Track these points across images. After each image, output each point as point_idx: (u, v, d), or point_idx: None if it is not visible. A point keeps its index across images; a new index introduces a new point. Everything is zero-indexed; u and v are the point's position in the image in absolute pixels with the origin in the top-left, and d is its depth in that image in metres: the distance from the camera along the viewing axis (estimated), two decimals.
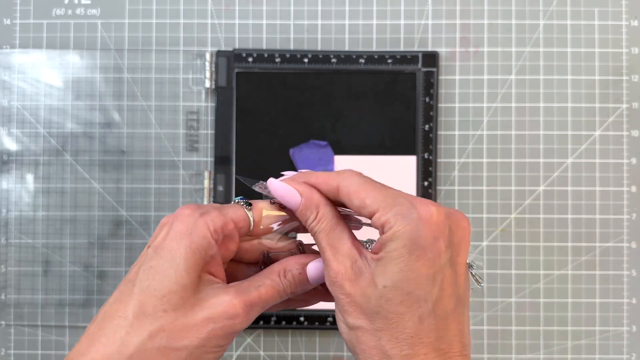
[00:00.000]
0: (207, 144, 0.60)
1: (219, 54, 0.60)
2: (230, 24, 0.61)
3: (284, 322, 0.58)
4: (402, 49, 0.60)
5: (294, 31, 0.61)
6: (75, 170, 0.60)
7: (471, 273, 0.35)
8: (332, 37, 0.61)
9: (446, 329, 0.32)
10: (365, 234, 0.37)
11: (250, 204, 0.36)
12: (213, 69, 0.60)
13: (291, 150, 0.59)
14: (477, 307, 0.59)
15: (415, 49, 0.60)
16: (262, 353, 0.59)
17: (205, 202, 0.59)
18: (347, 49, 0.60)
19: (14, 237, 0.60)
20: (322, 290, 0.37)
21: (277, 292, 0.35)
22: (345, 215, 0.36)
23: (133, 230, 0.60)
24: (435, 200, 0.59)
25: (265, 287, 0.35)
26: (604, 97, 0.60)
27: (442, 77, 0.60)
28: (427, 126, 0.59)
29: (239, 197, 0.37)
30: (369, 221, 0.34)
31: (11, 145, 0.60)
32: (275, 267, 0.36)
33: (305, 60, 0.59)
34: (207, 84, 0.60)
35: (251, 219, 0.36)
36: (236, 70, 0.60)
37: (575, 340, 0.59)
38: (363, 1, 0.61)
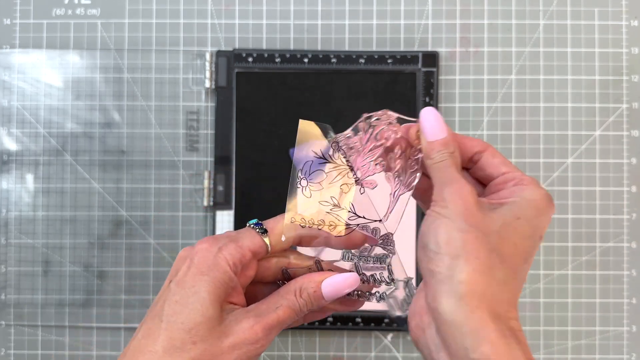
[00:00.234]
0: (207, 144, 0.60)
1: (219, 54, 0.60)
2: (230, 24, 0.61)
3: None
4: (402, 49, 0.60)
5: (294, 31, 0.61)
6: (75, 170, 0.60)
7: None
8: (332, 37, 0.61)
9: (520, 287, 0.35)
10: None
11: (265, 230, 0.37)
12: (213, 69, 0.60)
13: (291, 150, 0.59)
14: None
15: (415, 49, 0.60)
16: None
17: (205, 202, 0.59)
18: (347, 49, 0.60)
19: (14, 237, 0.60)
20: (336, 302, 0.38)
21: (294, 312, 0.37)
22: (360, 224, 0.37)
23: (133, 230, 0.60)
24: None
25: (283, 308, 0.36)
26: (604, 97, 0.60)
27: (442, 77, 0.60)
28: None
29: (254, 221, 0.38)
30: (377, 226, 0.35)
31: (11, 145, 0.60)
32: (292, 285, 0.37)
33: (305, 60, 0.59)
34: (207, 84, 0.60)
35: (268, 245, 0.37)
36: (236, 70, 0.60)
37: (575, 340, 0.59)
38: (363, 1, 0.61)
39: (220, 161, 0.59)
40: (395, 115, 0.38)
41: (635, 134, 0.60)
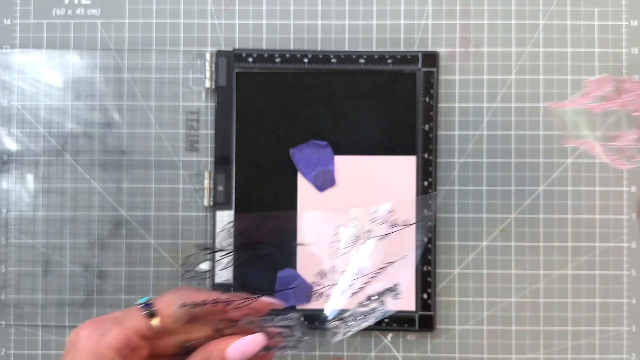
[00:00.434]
0: (207, 144, 0.60)
1: (219, 54, 0.60)
2: (230, 24, 0.61)
3: None
4: (402, 49, 0.60)
5: (294, 31, 0.61)
6: (75, 170, 0.60)
7: None
8: (332, 37, 0.61)
9: None
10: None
11: (152, 313, 0.36)
12: (213, 69, 0.60)
13: (291, 150, 0.59)
14: (478, 307, 0.59)
15: (415, 49, 0.60)
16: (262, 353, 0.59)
17: (205, 202, 0.59)
18: (347, 49, 0.60)
19: (14, 237, 0.60)
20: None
21: None
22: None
23: (133, 230, 0.60)
24: (435, 201, 0.59)
25: None
26: None
27: (442, 77, 0.60)
28: (427, 126, 0.59)
29: (144, 299, 0.37)
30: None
31: (11, 145, 0.60)
32: (196, 357, 0.36)
33: (305, 60, 0.59)
34: (207, 84, 0.60)
35: (154, 326, 0.36)
36: (236, 70, 0.60)
37: (575, 340, 0.59)
38: (363, 1, 0.61)
39: (220, 161, 0.59)
40: None
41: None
